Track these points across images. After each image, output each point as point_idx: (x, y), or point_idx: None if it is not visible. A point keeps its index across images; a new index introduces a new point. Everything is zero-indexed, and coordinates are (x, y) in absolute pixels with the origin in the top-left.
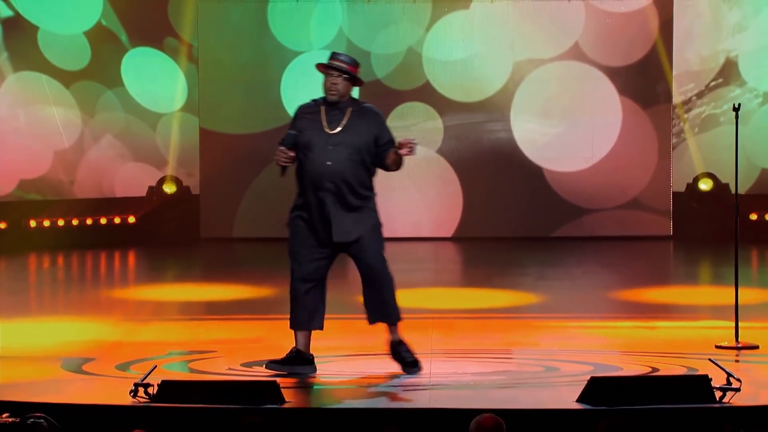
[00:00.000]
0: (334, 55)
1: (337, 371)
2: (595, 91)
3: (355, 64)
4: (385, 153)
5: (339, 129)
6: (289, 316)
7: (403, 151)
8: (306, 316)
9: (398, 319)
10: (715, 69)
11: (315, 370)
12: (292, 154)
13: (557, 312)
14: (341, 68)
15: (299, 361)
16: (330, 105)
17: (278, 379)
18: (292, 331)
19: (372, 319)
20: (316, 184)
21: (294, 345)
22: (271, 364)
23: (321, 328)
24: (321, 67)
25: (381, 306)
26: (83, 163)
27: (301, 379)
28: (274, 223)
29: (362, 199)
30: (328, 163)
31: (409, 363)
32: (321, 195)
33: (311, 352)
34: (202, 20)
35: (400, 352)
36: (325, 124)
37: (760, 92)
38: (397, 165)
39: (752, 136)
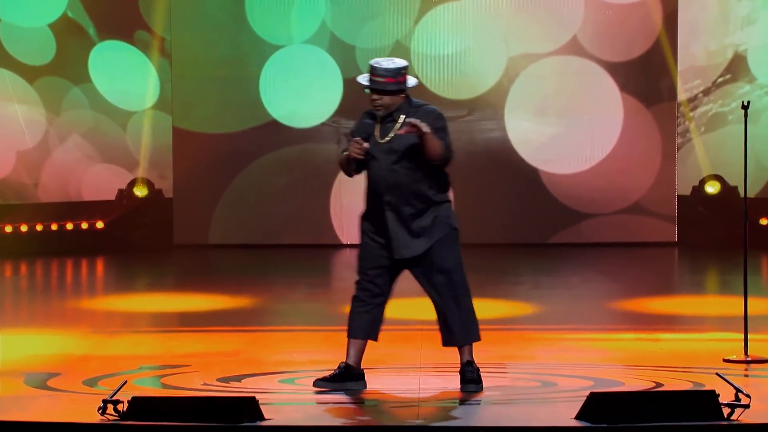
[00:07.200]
0: (372, 70)
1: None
2: (594, 88)
3: (396, 73)
4: None
5: (389, 137)
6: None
7: (401, 131)
8: (364, 325)
9: (475, 339)
10: (723, 64)
11: (365, 386)
12: (366, 145)
13: (554, 323)
14: (379, 89)
15: (349, 377)
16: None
17: (256, 395)
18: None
19: (444, 341)
20: (376, 195)
21: (344, 359)
22: (319, 381)
23: (376, 339)
24: (362, 86)
25: (444, 326)
26: (48, 164)
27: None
28: (253, 229)
29: (426, 209)
30: (383, 173)
31: (469, 380)
32: (382, 207)
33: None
34: (176, 12)
35: (465, 372)
36: (377, 132)
37: None
38: (430, 153)
39: (762, 135)
